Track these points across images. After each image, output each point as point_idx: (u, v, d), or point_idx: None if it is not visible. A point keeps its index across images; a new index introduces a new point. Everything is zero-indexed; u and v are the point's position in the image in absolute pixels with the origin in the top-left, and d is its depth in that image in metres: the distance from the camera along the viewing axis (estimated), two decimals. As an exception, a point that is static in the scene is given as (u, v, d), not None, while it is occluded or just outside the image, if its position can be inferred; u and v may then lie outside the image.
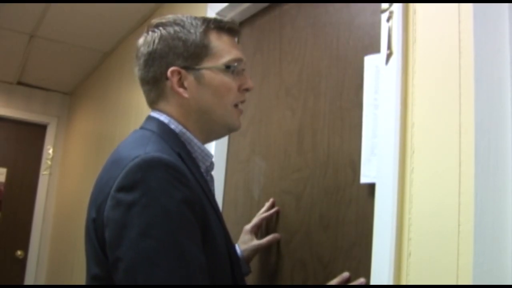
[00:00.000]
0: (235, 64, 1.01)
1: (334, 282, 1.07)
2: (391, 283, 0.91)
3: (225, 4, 1.65)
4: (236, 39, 1.07)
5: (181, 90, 0.98)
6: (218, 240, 0.91)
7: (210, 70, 0.98)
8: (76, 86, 4.13)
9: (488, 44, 0.87)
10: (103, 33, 2.93)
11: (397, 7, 1.00)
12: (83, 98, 3.95)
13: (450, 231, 0.83)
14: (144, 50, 1.00)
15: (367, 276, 0.99)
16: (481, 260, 0.79)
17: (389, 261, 0.92)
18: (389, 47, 1.00)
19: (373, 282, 0.96)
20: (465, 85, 0.86)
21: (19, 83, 4.09)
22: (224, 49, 1.00)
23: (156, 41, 0.98)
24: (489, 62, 0.86)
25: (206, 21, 1.00)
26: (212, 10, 1.72)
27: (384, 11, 1.02)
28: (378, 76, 1.04)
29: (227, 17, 1.70)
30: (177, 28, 0.99)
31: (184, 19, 1.00)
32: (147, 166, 0.82)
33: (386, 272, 0.92)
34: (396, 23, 0.99)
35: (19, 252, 4.10)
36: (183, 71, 0.97)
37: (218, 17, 1.03)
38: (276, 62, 1.46)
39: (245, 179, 1.51)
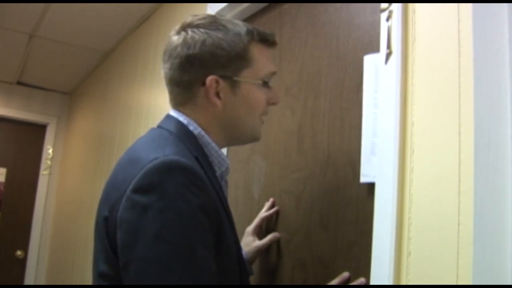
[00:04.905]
0: (271, 79, 1.02)
1: (334, 282, 1.07)
2: (391, 282, 0.91)
3: (225, 4, 1.65)
4: (272, 51, 1.06)
5: (216, 100, 0.96)
6: (231, 246, 0.91)
7: (247, 83, 0.98)
8: (76, 86, 4.14)
9: (487, 43, 0.87)
10: (103, 33, 2.93)
11: (396, 6, 1.00)
12: (83, 98, 3.95)
13: (450, 230, 0.83)
14: (181, 51, 0.95)
15: (367, 275, 0.99)
16: (481, 260, 0.79)
17: (389, 260, 0.92)
18: (389, 46, 1.00)
19: (373, 281, 0.96)
20: (465, 84, 0.86)
21: (19, 83, 4.09)
22: (263, 62, 1.00)
23: (198, 45, 0.94)
24: (488, 62, 0.86)
25: (250, 32, 0.98)
26: (211, 10, 1.72)
27: (383, 10, 1.02)
28: (378, 75, 1.04)
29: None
30: (220, 35, 0.95)
31: (226, 24, 0.97)
32: (165, 169, 0.81)
33: (386, 272, 0.92)
34: (396, 22, 0.99)
35: (19, 252, 4.10)
36: (221, 81, 0.95)
37: (261, 29, 1.02)
38: (276, 62, 1.46)
39: (245, 179, 1.51)
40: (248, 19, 1.66)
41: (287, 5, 1.46)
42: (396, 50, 0.98)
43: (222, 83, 0.95)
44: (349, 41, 1.20)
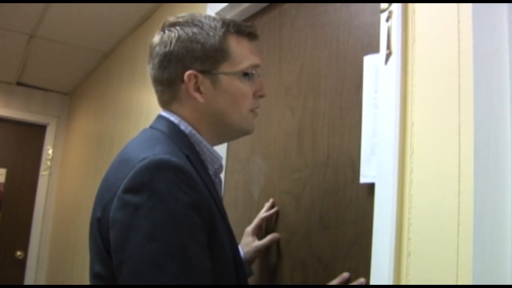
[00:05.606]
0: (253, 71, 1.00)
1: (334, 282, 1.07)
2: (391, 283, 0.91)
3: (225, 4, 1.65)
4: (254, 44, 1.04)
5: (196, 94, 0.96)
6: (225, 244, 0.90)
7: (227, 76, 0.97)
8: (76, 86, 4.14)
9: (487, 43, 0.87)
10: (103, 33, 2.93)
11: (396, 6, 1.00)
12: (83, 98, 3.95)
13: (450, 230, 0.83)
14: (159, 49, 0.97)
15: (367, 276, 0.99)
16: (481, 260, 0.79)
17: (389, 261, 0.92)
18: (389, 46, 1.00)
19: (373, 282, 0.96)
20: (464, 84, 0.86)
21: (19, 83, 4.09)
22: (242, 54, 0.99)
23: (173, 42, 0.96)
24: (488, 62, 0.86)
25: (226, 24, 0.98)
26: (211, 10, 1.72)
27: (383, 10, 1.03)
28: (378, 75, 1.04)
29: (227, 17, 1.70)
30: (195, 30, 0.96)
31: (203, 19, 0.98)
32: (155, 168, 0.81)
33: (386, 272, 0.92)
34: (396, 22, 0.99)
35: (19, 253, 4.10)
36: (199, 75, 0.95)
37: (238, 21, 1.02)
38: (275, 62, 1.46)
39: (245, 179, 1.51)
40: (248, 19, 1.66)
41: (287, 5, 1.46)
42: (396, 51, 0.98)
43: (201, 77, 0.96)
44: (349, 41, 1.20)
